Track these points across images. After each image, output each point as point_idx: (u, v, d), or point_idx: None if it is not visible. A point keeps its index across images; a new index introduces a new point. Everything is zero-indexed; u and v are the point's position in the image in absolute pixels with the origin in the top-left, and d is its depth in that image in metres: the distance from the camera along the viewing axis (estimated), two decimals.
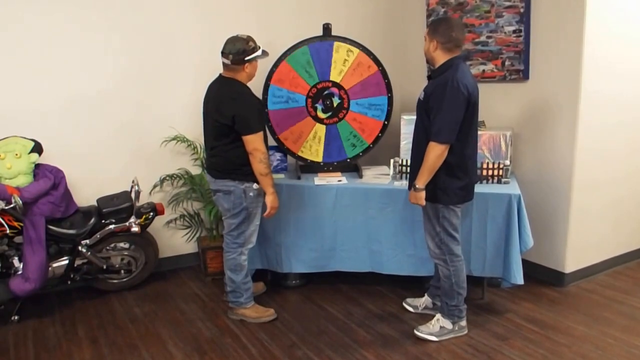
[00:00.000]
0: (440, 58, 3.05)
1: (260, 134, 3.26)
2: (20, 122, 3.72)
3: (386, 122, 4.12)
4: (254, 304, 3.60)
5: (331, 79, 4.05)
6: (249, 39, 3.27)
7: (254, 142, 3.22)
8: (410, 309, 3.68)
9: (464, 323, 3.36)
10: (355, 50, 4.02)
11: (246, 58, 3.24)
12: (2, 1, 3.61)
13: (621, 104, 4.03)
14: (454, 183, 3.09)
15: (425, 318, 3.45)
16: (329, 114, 4.08)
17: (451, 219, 3.17)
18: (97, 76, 3.96)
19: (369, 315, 3.63)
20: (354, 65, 4.04)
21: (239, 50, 3.21)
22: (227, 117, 3.20)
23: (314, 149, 4.14)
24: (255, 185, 3.34)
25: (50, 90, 3.82)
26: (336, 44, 4.00)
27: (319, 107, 4.07)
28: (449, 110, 2.93)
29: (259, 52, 3.29)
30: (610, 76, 3.88)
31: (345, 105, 4.09)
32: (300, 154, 4.13)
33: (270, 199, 3.36)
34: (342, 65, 4.03)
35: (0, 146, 3.50)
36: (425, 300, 3.67)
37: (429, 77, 3.19)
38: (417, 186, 3.05)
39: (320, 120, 4.10)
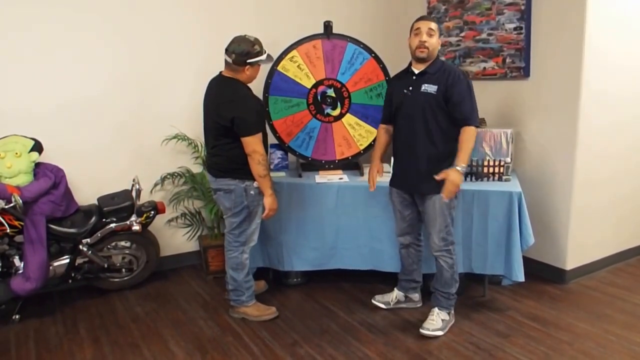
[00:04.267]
0: (436, 53, 3.23)
1: (259, 135, 3.24)
2: (21, 120, 3.71)
3: None
4: (255, 302, 3.60)
5: (337, 78, 4.08)
6: (255, 41, 3.24)
7: (252, 144, 3.21)
8: (382, 305, 3.69)
9: (453, 311, 3.43)
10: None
11: (248, 60, 3.21)
12: (3, 2, 3.60)
13: (622, 101, 4.03)
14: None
15: (425, 316, 3.45)
16: (336, 109, 4.10)
17: (455, 206, 3.29)
18: (98, 74, 3.95)
19: (371, 313, 3.63)
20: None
21: (242, 51, 3.19)
22: (225, 118, 3.19)
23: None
24: (256, 184, 3.33)
25: (50, 89, 3.81)
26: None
27: (327, 109, 4.10)
28: (473, 96, 3.16)
29: (262, 57, 3.27)
30: (612, 74, 3.88)
31: (346, 99, 4.10)
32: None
33: (268, 201, 3.34)
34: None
35: (0, 145, 3.49)
36: (397, 295, 3.69)
37: (421, 73, 3.21)
38: (465, 167, 3.10)
39: (317, 117, 4.11)
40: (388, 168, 3.59)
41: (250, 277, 3.59)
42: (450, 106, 3.12)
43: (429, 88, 3.15)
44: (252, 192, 3.34)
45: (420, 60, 3.19)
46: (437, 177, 3.11)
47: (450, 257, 3.30)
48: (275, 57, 3.96)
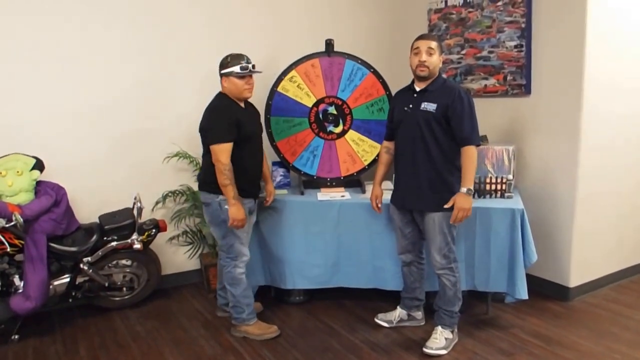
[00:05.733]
0: (437, 71, 3.22)
1: (224, 145, 3.23)
2: (22, 139, 3.71)
3: None
4: (257, 320, 3.57)
5: (338, 95, 4.10)
6: (233, 55, 3.36)
7: (215, 154, 3.24)
8: (385, 324, 3.66)
9: (456, 329, 3.40)
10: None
11: (220, 72, 3.35)
12: (4, 19, 3.62)
13: (623, 118, 4.04)
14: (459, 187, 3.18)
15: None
16: (338, 126, 4.12)
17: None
18: (99, 93, 3.96)
19: (373, 331, 3.60)
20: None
21: (219, 64, 3.35)
22: (199, 128, 3.34)
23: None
24: None
25: (52, 107, 3.82)
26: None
27: (329, 126, 4.11)
28: (473, 115, 3.15)
29: (232, 69, 3.31)
30: (612, 90, 3.89)
31: (348, 116, 4.10)
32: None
33: (230, 211, 3.29)
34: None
35: (1, 163, 3.48)
36: (399, 313, 3.66)
37: (421, 91, 3.22)
38: (472, 189, 3.11)
39: (319, 135, 4.11)
40: (390, 185, 3.59)
41: (250, 293, 3.56)
42: (451, 125, 3.12)
43: (429, 106, 3.16)
44: (226, 207, 3.32)
45: (421, 78, 3.21)
46: (446, 205, 3.12)
47: (453, 275, 3.28)
48: (275, 76, 4.02)
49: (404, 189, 3.33)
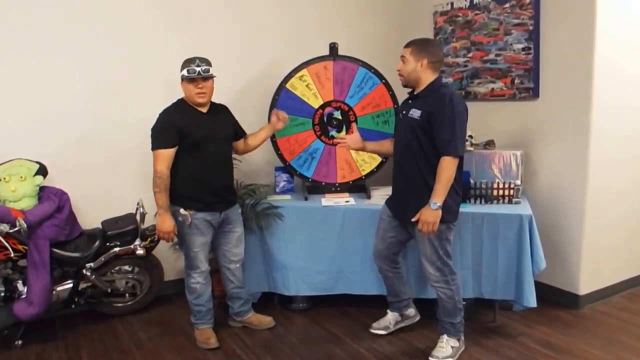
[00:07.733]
0: (429, 77, 3.08)
1: (158, 152, 3.23)
2: (24, 144, 3.71)
3: (384, 159, 4.08)
4: (204, 328, 3.54)
5: (346, 101, 4.07)
6: (186, 59, 3.27)
7: (153, 160, 3.24)
8: (382, 332, 3.59)
9: (462, 337, 3.33)
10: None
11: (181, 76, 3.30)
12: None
13: (635, 122, 3.96)
14: (455, 199, 3.08)
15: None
16: (341, 131, 4.08)
17: (450, 237, 3.15)
18: (102, 98, 3.96)
19: (378, 339, 3.55)
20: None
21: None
22: None
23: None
24: (182, 211, 3.29)
25: (54, 112, 3.82)
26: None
27: (332, 131, 4.08)
28: (459, 124, 2.94)
29: (182, 73, 3.26)
30: (623, 93, 3.82)
31: (352, 123, 4.05)
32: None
33: (157, 221, 3.28)
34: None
35: (4, 169, 3.49)
36: (391, 317, 3.60)
37: (414, 97, 3.15)
38: (438, 203, 2.93)
39: (321, 138, 4.09)
40: (389, 191, 3.54)
41: (203, 302, 3.52)
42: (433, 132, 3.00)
43: (415, 113, 3.05)
44: (179, 219, 3.30)
45: (405, 86, 3.17)
46: (413, 219, 3.03)
47: (448, 289, 3.16)
48: (279, 76, 4.01)
49: (395, 196, 3.29)
